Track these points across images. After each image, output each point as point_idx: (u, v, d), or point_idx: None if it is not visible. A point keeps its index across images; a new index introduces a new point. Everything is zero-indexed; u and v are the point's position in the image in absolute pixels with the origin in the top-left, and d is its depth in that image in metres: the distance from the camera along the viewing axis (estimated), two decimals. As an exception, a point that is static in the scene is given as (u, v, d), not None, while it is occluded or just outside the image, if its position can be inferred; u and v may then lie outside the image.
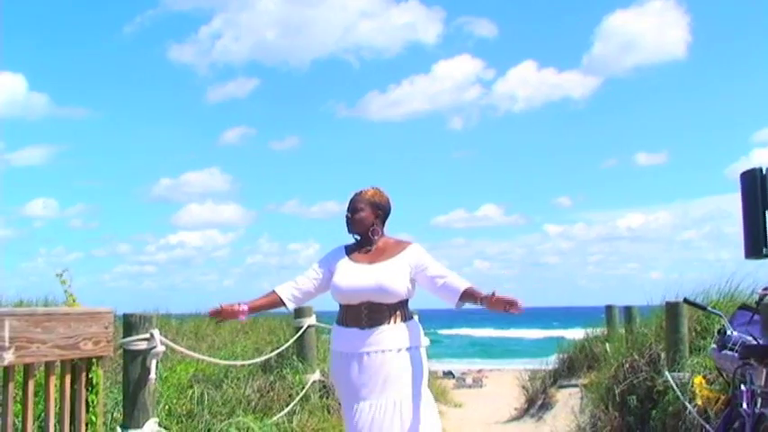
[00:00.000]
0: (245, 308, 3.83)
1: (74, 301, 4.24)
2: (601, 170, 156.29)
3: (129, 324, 4.03)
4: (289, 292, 3.93)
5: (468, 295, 3.74)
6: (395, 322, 3.78)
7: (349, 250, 4.00)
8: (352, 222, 3.97)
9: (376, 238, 3.96)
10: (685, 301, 4.86)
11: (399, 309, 3.81)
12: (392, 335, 3.75)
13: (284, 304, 3.95)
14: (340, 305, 3.92)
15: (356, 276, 3.81)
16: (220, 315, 3.86)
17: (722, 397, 4.77)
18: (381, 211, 4.01)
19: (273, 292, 3.93)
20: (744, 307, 4.29)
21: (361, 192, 4.01)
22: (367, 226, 3.95)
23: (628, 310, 9.80)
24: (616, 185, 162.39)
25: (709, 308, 4.67)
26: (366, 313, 3.77)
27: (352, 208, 3.97)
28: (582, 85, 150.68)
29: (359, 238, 4.01)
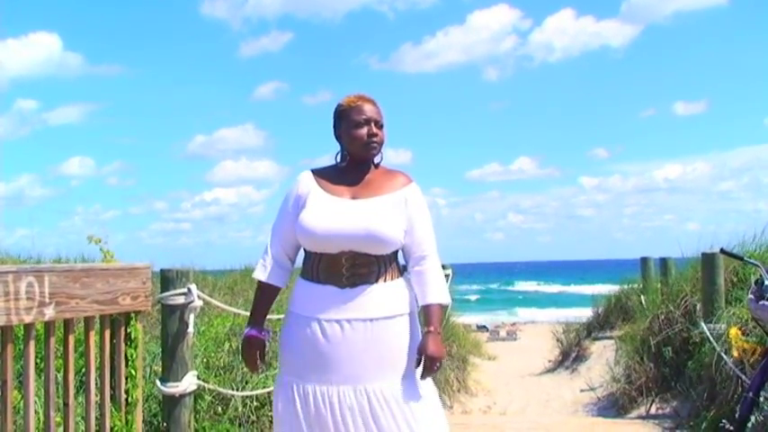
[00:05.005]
0: (264, 334, 2.88)
1: (111, 257, 4.30)
2: (638, 120, 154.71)
3: (167, 279, 4.09)
4: (281, 277, 2.89)
5: (424, 309, 2.80)
6: (385, 280, 2.76)
7: (322, 178, 2.87)
8: (375, 144, 2.83)
9: (373, 167, 2.90)
10: (722, 251, 4.80)
11: (391, 262, 2.80)
12: (382, 297, 2.74)
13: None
14: (308, 253, 2.82)
15: (336, 216, 2.73)
16: (260, 360, 2.88)
17: (759, 348, 4.72)
18: None
19: (264, 285, 2.89)
20: (782, 257, 4.23)
21: (372, 99, 2.89)
22: (380, 150, 2.89)
23: (663, 262, 9.73)
24: (654, 136, 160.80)
25: (747, 258, 4.61)
26: (348, 266, 2.73)
27: (375, 120, 2.82)
28: (621, 34, 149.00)
29: (344, 164, 2.89)
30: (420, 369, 2.69)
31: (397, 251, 2.82)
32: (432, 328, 2.72)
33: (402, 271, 2.86)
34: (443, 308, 2.83)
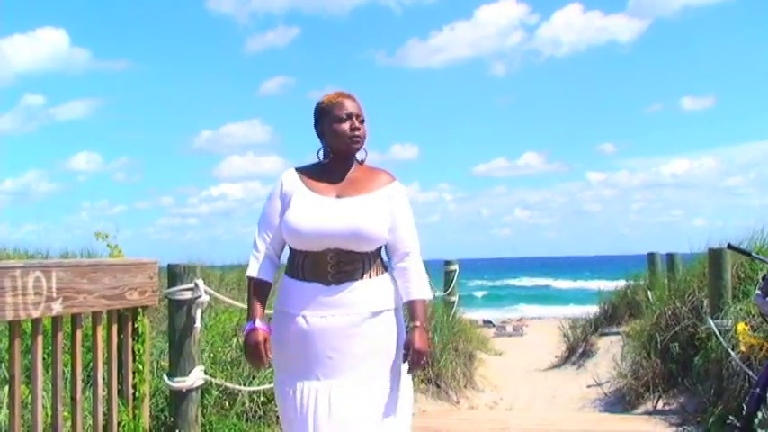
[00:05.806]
0: (265, 329, 2.79)
1: (119, 252, 4.31)
2: (645, 115, 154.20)
3: (174, 274, 4.10)
4: (271, 273, 2.89)
5: (409, 305, 2.85)
6: (370, 276, 2.79)
7: (306, 176, 2.89)
8: (358, 138, 2.86)
9: (357, 163, 2.94)
10: (729, 247, 4.79)
11: (375, 258, 2.83)
12: (366, 293, 2.77)
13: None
14: (293, 251, 2.85)
15: (322, 214, 2.75)
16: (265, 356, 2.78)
17: (766, 344, 4.72)
18: None
19: (259, 281, 2.85)
20: (789, 253, 4.22)
21: (352, 95, 2.92)
22: (363, 145, 2.92)
23: (670, 258, 9.71)
24: (661, 131, 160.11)
25: (754, 254, 4.60)
26: (333, 264, 2.75)
27: (356, 115, 2.86)
28: (628, 29, 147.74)
29: (327, 161, 2.91)
30: (407, 363, 2.72)
31: (380, 247, 2.86)
32: (418, 323, 2.76)
33: (386, 267, 2.89)
34: (426, 303, 2.88)
